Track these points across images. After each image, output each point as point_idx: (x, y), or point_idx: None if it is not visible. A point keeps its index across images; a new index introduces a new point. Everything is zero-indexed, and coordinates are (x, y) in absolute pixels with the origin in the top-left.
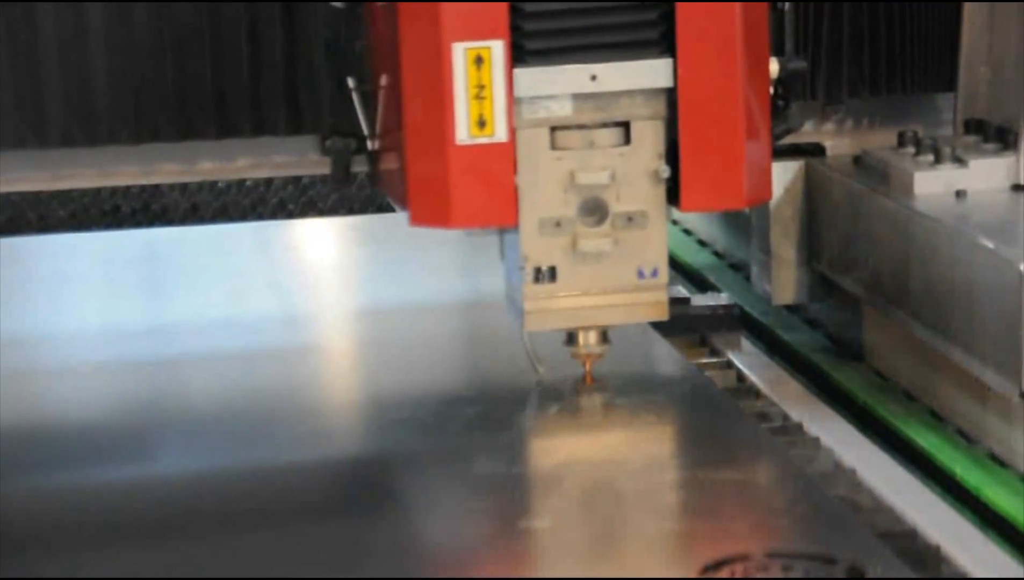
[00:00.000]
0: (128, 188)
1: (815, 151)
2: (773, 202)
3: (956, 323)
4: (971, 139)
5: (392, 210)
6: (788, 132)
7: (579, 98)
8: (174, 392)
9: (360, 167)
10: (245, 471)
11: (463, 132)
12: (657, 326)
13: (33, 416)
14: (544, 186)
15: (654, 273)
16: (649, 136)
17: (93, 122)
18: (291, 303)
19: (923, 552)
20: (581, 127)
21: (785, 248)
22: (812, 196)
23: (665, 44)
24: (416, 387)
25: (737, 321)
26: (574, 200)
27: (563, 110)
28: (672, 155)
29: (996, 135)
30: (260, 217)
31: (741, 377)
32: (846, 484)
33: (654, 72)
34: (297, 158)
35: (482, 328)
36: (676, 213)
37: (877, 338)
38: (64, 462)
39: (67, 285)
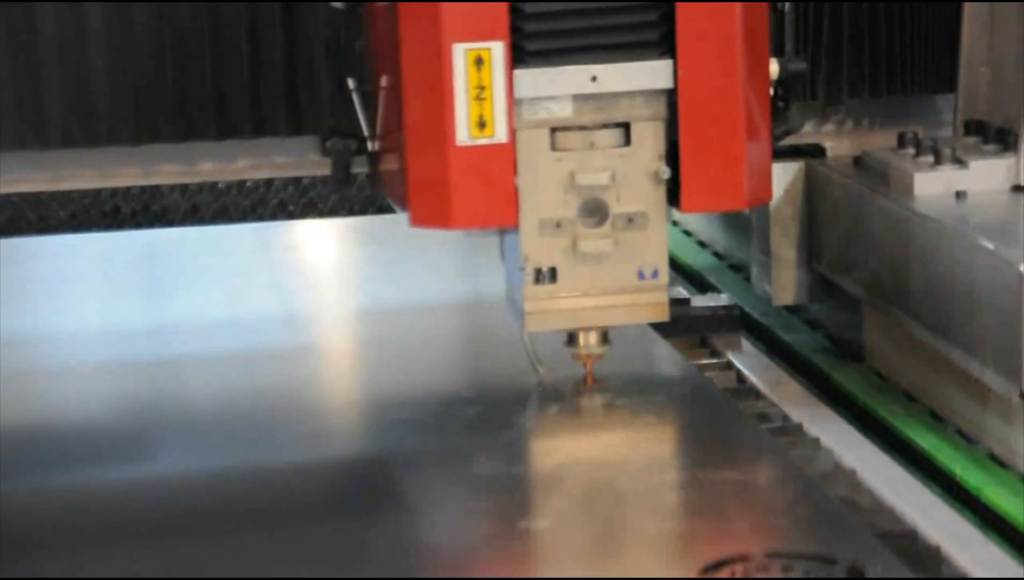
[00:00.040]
0: (128, 189)
1: (815, 152)
2: (773, 203)
3: (956, 324)
4: (971, 140)
5: (392, 211)
6: (788, 133)
7: (579, 99)
8: (174, 392)
9: (360, 168)
10: (245, 471)
11: (463, 133)
12: (657, 327)
13: (33, 416)
14: (544, 187)
15: (654, 274)
16: (649, 137)
17: (93, 123)
18: (291, 304)
19: (923, 552)
20: (581, 128)
21: (785, 249)
22: (812, 197)
23: (665, 45)
24: (416, 387)
25: (737, 322)
26: (574, 201)
27: (563, 111)
28: (672, 156)
29: (996, 136)
30: (260, 218)
31: (741, 378)
32: (846, 484)
33: (654, 73)
34: (297, 159)
35: (482, 329)
36: (676, 214)
37: (877, 339)
38: (64, 462)
39: (67, 285)
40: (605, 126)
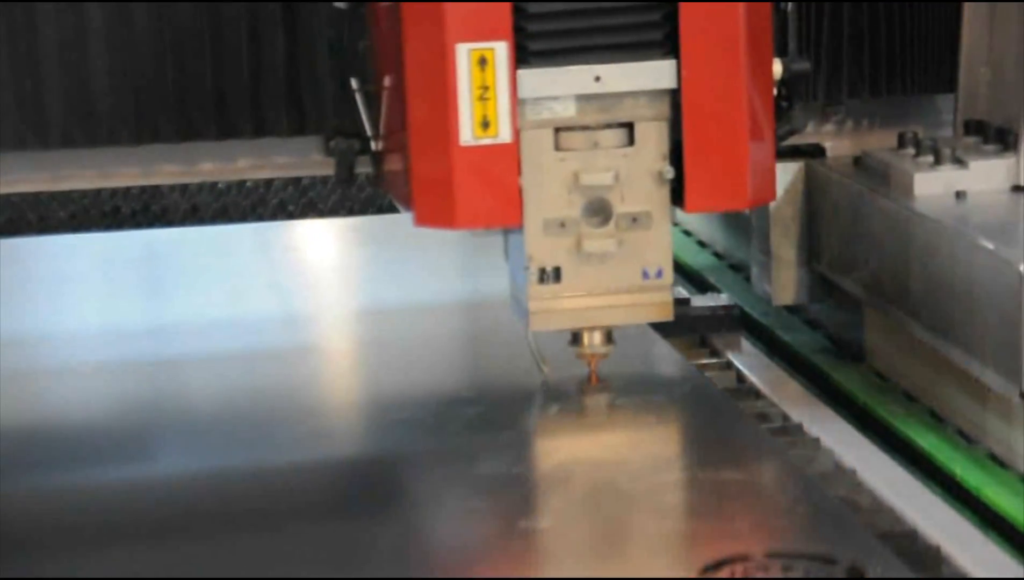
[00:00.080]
0: (128, 189)
1: (815, 152)
2: (773, 203)
3: (956, 324)
4: (971, 140)
5: (392, 211)
6: (792, 133)
7: (583, 99)
8: (174, 392)
9: (363, 168)
10: (245, 471)
11: (467, 133)
12: (657, 327)
13: (33, 416)
14: (548, 187)
15: (659, 273)
16: (653, 137)
17: (93, 123)
18: (291, 304)
19: (923, 552)
20: (585, 128)
21: (785, 249)
22: (812, 197)
23: (669, 45)
24: (416, 387)
25: (737, 322)
26: (578, 201)
27: (567, 111)
28: (676, 156)
29: (996, 136)
30: (260, 218)
31: (741, 378)
32: (846, 484)
33: (658, 73)
34: (298, 159)
35: (482, 329)
36: (677, 214)
37: (877, 339)
38: (64, 462)
39: (67, 285)
40: (609, 126)
